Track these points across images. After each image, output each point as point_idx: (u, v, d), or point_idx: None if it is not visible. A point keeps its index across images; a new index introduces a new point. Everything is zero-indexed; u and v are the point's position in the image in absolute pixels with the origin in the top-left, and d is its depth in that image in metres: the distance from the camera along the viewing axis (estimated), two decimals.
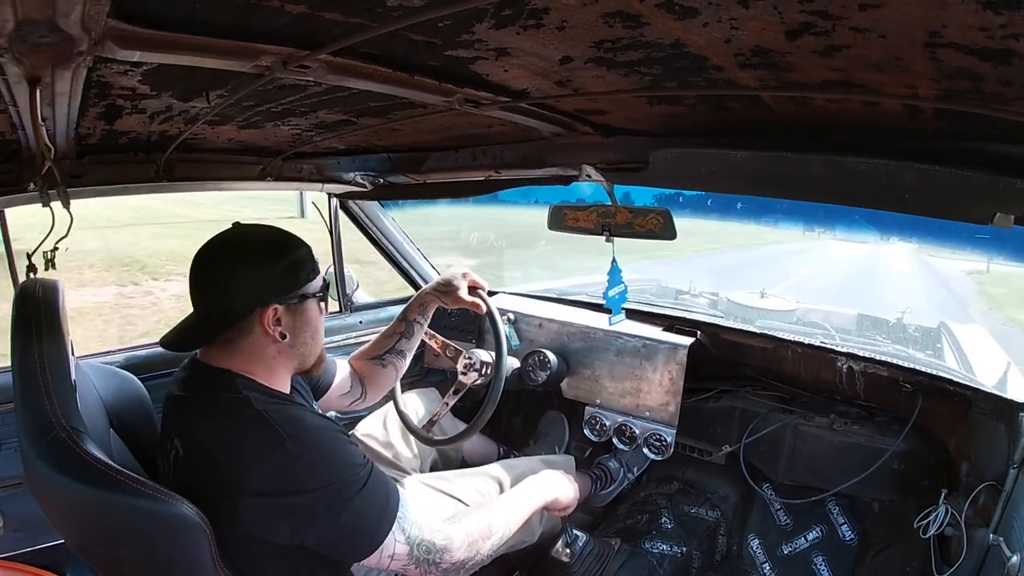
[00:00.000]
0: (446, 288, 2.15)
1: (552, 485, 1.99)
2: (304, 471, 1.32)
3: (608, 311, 2.54)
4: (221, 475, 1.31)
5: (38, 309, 1.38)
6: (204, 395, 1.43)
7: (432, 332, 2.40)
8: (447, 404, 2.48)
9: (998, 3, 0.64)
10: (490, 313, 2.20)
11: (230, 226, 1.49)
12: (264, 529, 1.32)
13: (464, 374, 2.44)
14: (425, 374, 3.12)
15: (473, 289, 2.19)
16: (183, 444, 1.39)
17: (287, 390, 1.56)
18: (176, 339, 1.49)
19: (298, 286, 1.48)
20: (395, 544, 1.41)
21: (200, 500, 1.27)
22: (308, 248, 1.53)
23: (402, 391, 2.48)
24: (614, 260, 2.14)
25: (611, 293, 2.24)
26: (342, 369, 2.10)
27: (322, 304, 1.58)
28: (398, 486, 1.50)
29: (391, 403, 2.51)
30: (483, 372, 2.41)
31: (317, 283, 1.54)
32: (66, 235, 1.66)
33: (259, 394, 1.41)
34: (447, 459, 2.71)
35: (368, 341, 2.26)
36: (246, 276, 1.42)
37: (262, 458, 1.30)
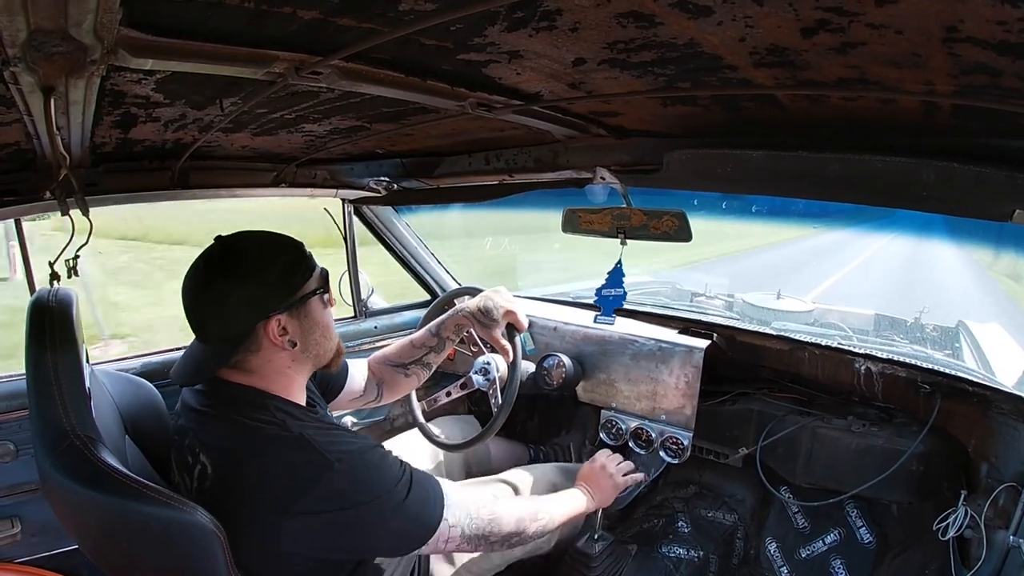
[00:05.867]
0: (484, 319, 2.12)
1: (593, 492, 2.10)
2: (353, 488, 1.35)
3: (597, 308, 2.53)
4: (263, 497, 1.32)
5: (52, 318, 1.39)
6: (232, 414, 1.42)
7: None
8: (450, 392, 2.51)
9: None
10: (514, 364, 2.21)
11: (212, 241, 1.45)
12: (312, 546, 1.35)
13: (477, 374, 2.44)
14: (440, 377, 3.12)
15: (511, 327, 2.19)
16: (212, 462, 1.38)
17: (304, 400, 1.56)
18: (188, 374, 1.48)
19: (295, 289, 1.45)
20: (448, 529, 1.49)
21: (230, 515, 1.29)
22: (298, 246, 1.50)
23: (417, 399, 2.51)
24: (619, 261, 2.12)
25: (605, 292, 2.22)
26: (358, 372, 2.11)
27: (326, 297, 1.54)
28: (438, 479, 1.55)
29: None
30: (493, 385, 2.41)
31: (315, 279, 1.50)
32: (86, 242, 1.67)
33: (291, 416, 1.42)
34: (476, 464, 2.72)
35: (383, 346, 2.26)
36: (240, 294, 1.39)
37: (312, 481, 1.31)
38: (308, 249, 1.52)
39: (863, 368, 2.34)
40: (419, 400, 2.51)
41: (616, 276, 2.18)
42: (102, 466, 1.24)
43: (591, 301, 3.07)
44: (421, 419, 2.47)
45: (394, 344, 2.23)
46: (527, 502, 1.82)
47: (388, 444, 2.49)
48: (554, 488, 2.29)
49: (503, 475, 2.32)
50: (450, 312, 2.19)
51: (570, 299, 3.22)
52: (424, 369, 2.18)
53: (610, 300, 2.24)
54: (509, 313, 2.13)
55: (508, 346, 2.16)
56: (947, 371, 2.19)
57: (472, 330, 2.20)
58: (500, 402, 2.25)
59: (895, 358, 2.31)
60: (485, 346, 2.51)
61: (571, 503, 1.99)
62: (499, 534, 1.63)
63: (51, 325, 1.38)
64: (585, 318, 2.82)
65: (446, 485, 1.57)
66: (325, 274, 1.54)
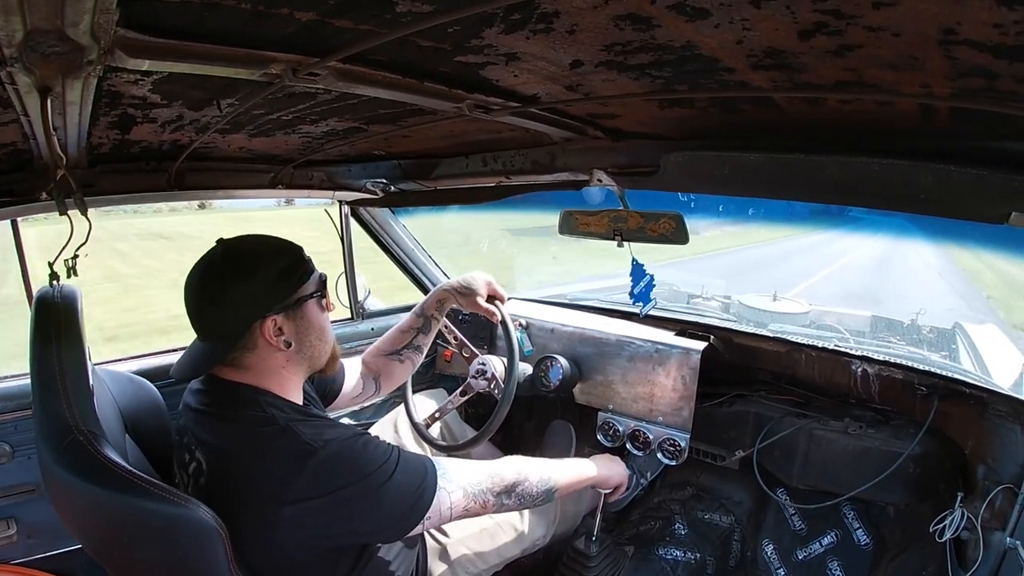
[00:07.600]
0: (465, 290, 2.19)
1: (600, 466, 2.10)
2: (340, 471, 1.36)
3: (638, 307, 2.53)
4: (256, 490, 1.34)
5: (57, 315, 1.40)
6: (227, 411, 1.45)
7: (450, 326, 2.42)
8: (451, 403, 2.51)
9: None
10: (504, 322, 2.22)
11: (214, 244, 1.48)
12: (310, 533, 1.37)
13: (475, 378, 2.44)
14: (437, 380, 3.12)
15: (491, 298, 2.21)
16: (207, 458, 1.41)
17: (301, 400, 1.58)
18: (186, 370, 1.50)
19: (292, 291, 1.48)
20: (449, 497, 1.52)
21: (225, 511, 1.29)
22: (297, 250, 1.54)
23: (413, 394, 2.51)
24: (634, 259, 2.15)
25: (636, 291, 2.25)
26: (352, 372, 2.13)
27: (323, 301, 1.58)
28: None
29: (402, 408, 2.53)
30: (493, 381, 2.41)
31: (313, 283, 1.54)
32: (85, 242, 1.67)
33: (281, 411, 1.44)
34: None
35: None
36: (237, 293, 1.42)
37: (298, 469, 1.33)
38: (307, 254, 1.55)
39: (860, 370, 2.34)
40: (422, 420, 2.50)
41: (638, 271, 2.21)
42: (105, 461, 1.24)
43: (591, 304, 3.09)
44: (419, 421, 2.46)
45: (383, 336, 2.27)
46: (526, 458, 1.84)
47: (372, 431, 2.53)
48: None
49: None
50: (432, 291, 2.26)
51: (567, 301, 3.21)
52: (416, 352, 2.23)
53: (645, 291, 2.26)
54: (488, 284, 2.20)
55: (493, 308, 2.22)
56: (944, 373, 2.19)
57: (452, 316, 2.22)
58: (504, 390, 2.26)
59: (892, 360, 2.31)
60: (479, 348, 2.51)
61: (577, 466, 2.01)
62: (501, 484, 1.66)
63: (56, 321, 1.39)
64: (582, 320, 2.82)
65: (441, 458, 1.61)
66: (323, 279, 1.58)
